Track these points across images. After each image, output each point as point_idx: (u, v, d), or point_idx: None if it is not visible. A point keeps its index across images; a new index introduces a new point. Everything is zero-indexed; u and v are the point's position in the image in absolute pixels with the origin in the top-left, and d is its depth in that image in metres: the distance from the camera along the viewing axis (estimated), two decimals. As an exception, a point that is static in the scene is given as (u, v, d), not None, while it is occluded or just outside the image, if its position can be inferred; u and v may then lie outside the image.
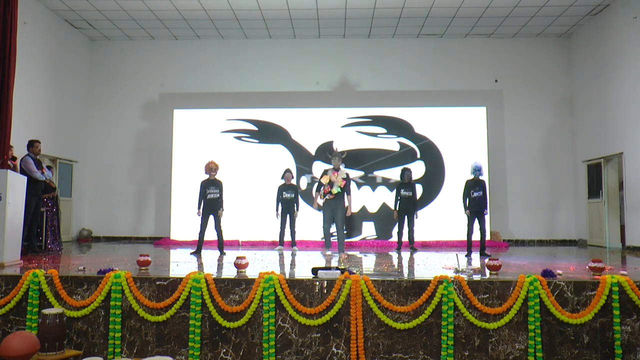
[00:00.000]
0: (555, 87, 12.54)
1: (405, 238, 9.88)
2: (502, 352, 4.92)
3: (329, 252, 8.24)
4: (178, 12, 11.23)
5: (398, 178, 10.27)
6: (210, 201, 8.55)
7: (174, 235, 11.86)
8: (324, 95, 12.66)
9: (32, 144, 8.47)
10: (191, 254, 8.44)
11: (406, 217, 9.77)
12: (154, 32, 12.43)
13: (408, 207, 9.73)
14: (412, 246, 9.81)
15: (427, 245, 10.91)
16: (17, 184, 6.57)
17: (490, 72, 12.63)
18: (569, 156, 12.40)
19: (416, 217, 9.83)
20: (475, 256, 8.29)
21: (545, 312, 4.91)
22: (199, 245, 8.65)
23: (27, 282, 5.16)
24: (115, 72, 12.96)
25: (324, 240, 8.60)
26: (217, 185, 8.66)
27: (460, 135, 11.97)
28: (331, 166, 8.41)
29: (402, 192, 9.73)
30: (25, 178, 7.05)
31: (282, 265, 6.99)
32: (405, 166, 10.30)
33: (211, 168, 8.66)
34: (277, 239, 10.23)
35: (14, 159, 8.08)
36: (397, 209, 9.76)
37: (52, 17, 11.32)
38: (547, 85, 12.54)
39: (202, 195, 8.62)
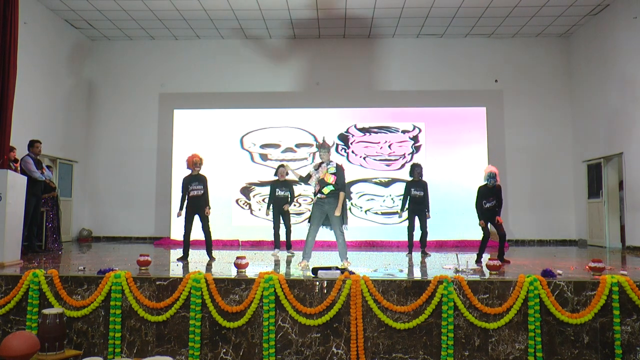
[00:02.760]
0: (555, 87, 12.54)
1: (414, 239, 8.92)
2: (502, 352, 4.92)
3: (307, 263, 6.61)
4: (178, 12, 11.23)
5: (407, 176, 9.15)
6: (194, 199, 7.51)
7: (174, 235, 11.85)
8: (324, 95, 12.65)
9: (32, 144, 8.47)
10: (177, 259, 7.43)
11: (417, 218, 8.77)
12: (154, 32, 12.43)
13: (419, 207, 8.75)
14: (424, 250, 8.91)
15: (427, 245, 10.86)
16: (17, 184, 6.57)
17: (490, 72, 12.62)
18: (569, 156, 12.39)
19: (429, 218, 8.83)
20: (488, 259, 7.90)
21: (545, 312, 4.91)
22: (185, 250, 7.59)
23: (27, 282, 5.16)
24: (115, 73, 12.96)
25: (304, 245, 6.83)
26: (201, 180, 7.59)
27: (461, 135, 11.96)
28: (320, 161, 6.79)
29: (413, 191, 8.72)
30: (25, 178, 7.05)
31: (282, 265, 6.99)
32: (415, 162, 9.23)
33: (195, 162, 7.61)
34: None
35: (16, 161, 8.05)
36: (407, 209, 8.81)
37: (52, 17, 11.32)
38: (547, 85, 12.54)
39: (184, 191, 7.61)
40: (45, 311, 4.69)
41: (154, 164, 12.71)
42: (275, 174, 9.07)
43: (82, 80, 12.70)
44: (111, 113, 12.88)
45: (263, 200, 11.57)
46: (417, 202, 8.74)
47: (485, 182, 7.43)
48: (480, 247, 7.59)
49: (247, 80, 12.71)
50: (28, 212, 7.64)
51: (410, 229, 8.82)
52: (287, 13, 11.26)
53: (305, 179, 6.90)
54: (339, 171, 6.61)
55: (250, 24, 11.89)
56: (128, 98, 12.88)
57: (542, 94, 12.52)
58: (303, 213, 11.12)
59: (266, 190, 10.67)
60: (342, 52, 12.72)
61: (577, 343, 4.90)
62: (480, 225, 7.46)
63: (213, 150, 11.84)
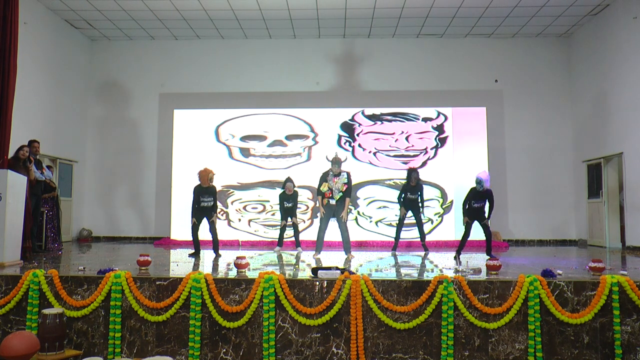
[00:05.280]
0: (555, 87, 12.54)
1: (403, 240, 9.38)
2: (502, 352, 4.92)
3: (319, 256, 7.78)
4: (178, 12, 11.23)
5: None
6: (204, 209, 8.03)
7: (174, 235, 11.85)
8: (324, 95, 12.66)
9: (30, 144, 8.45)
10: (190, 255, 8.04)
11: (412, 212, 8.94)
12: (154, 32, 12.43)
13: (414, 209, 8.97)
14: (424, 243, 9.08)
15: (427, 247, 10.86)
16: (17, 184, 6.57)
17: (490, 72, 12.62)
18: (569, 156, 12.40)
19: (423, 216, 8.88)
20: (479, 256, 8.16)
21: (545, 312, 4.91)
22: (195, 246, 8.13)
23: (27, 282, 5.16)
24: (115, 72, 12.96)
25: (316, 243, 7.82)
26: (211, 192, 8.09)
27: (460, 135, 11.94)
28: (330, 170, 7.65)
29: (409, 195, 8.85)
30: (26, 178, 7.05)
31: (281, 265, 6.99)
32: (412, 166, 9.21)
33: (210, 178, 8.07)
34: (277, 238, 9.95)
35: (30, 161, 7.97)
36: (402, 205, 8.97)
37: (52, 17, 11.31)
38: (547, 85, 12.54)
39: (196, 202, 8.06)
40: (45, 311, 4.69)
41: (154, 164, 12.71)
42: (283, 187, 9.21)
43: (82, 80, 12.70)
44: (111, 113, 12.88)
45: (244, 208, 10.79)
46: (412, 203, 9.00)
47: (476, 186, 7.69)
48: (460, 244, 7.88)
49: (247, 80, 12.71)
50: (28, 212, 7.63)
51: (400, 224, 8.98)
52: (287, 13, 11.26)
53: (319, 193, 7.71)
54: (349, 181, 7.61)
55: (250, 24, 11.89)
56: (128, 98, 12.89)
57: (542, 94, 12.52)
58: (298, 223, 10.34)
59: (249, 195, 10.43)
60: (341, 52, 12.72)
61: (577, 343, 4.90)
62: (464, 222, 7.73)
63: (212, 150, 11.82)
